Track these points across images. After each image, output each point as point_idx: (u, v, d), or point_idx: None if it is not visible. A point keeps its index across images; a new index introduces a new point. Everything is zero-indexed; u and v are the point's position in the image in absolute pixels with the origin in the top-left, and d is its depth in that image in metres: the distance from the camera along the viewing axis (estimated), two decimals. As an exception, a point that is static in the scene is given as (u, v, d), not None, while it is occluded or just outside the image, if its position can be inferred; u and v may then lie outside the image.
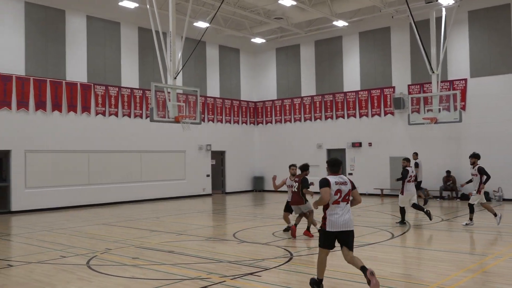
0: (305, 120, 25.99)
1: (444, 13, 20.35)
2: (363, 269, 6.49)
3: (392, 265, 8.56)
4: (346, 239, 6.70)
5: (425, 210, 13.21)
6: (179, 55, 17.08)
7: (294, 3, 20.29)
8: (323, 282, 6.90)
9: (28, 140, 18.42)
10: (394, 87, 22.91)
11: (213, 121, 25.62)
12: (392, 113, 22.97)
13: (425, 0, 19.77)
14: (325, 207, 6.75)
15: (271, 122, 27.55)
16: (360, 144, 23.91)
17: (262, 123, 28.00)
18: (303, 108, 26.07)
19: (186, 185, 24.06)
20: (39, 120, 18.82)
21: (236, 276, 7.83)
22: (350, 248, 6.70)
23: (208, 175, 25.29)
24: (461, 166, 20.67)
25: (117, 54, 21.56)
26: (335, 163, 6.95)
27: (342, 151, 24.57)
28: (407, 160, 14.02)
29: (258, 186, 27.45)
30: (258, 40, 26.01)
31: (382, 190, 22.61)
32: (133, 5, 19.88)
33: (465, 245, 10.55)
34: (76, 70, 20.05)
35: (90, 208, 19.63)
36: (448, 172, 20.77)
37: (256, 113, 28.22)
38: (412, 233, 12.21)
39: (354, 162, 23.94)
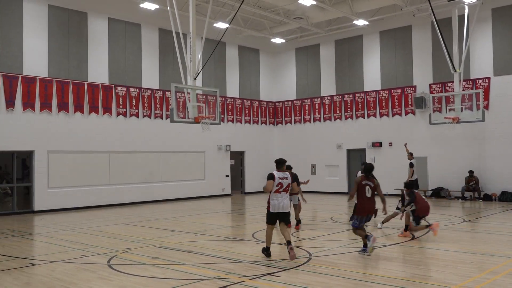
0: (325, 120, 25.85)
1: (467, 11, 20.05)
2: (288, 242, 8.81)
3: (413, 266, 8.46)
4: (284, 218, 9.16)
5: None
6: (199, 55, 17.17)
7: (314, 2, 20.20)
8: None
9: (51, 141, 18.72)
10: (415, 86, 22.64)
11: (232, 121, 25.68)
12: (413, 113, 22.70)
13: (447, -2, 19.53)
14: (269, 194, 9.07)
15: (290, 122, 27.49)
16: (380, 144, 23.69)
17: (281, 123, 27.96)
18: (322, 108, 25.94)
19: (205, 185, 24.16)
20: (62, 121, 19.11)
21: (255, 276, 7.83)
22: (286, 223, 9.16)
23: (227, 175, 25.36)
24: (484, 167, 20.33)
25: (137, 56, 21.77)
26: (279, 162, 9.34)
27: (362, 151, 24.39)
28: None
29: (277, 187, 27.33)
30: (277, 40, 25.97)
31: (402, 190, 22.18)
32: (153, 6, 20.05)
33: (488, 247, 10.35)
34: (98, 71, 20.31)
35: (110, 208, 19.87)
36: (471, 172, 20.40)
37: (275, 113, 28.18)
38: (433, 235, 12.02)
39: (374, 162, 23.68)
